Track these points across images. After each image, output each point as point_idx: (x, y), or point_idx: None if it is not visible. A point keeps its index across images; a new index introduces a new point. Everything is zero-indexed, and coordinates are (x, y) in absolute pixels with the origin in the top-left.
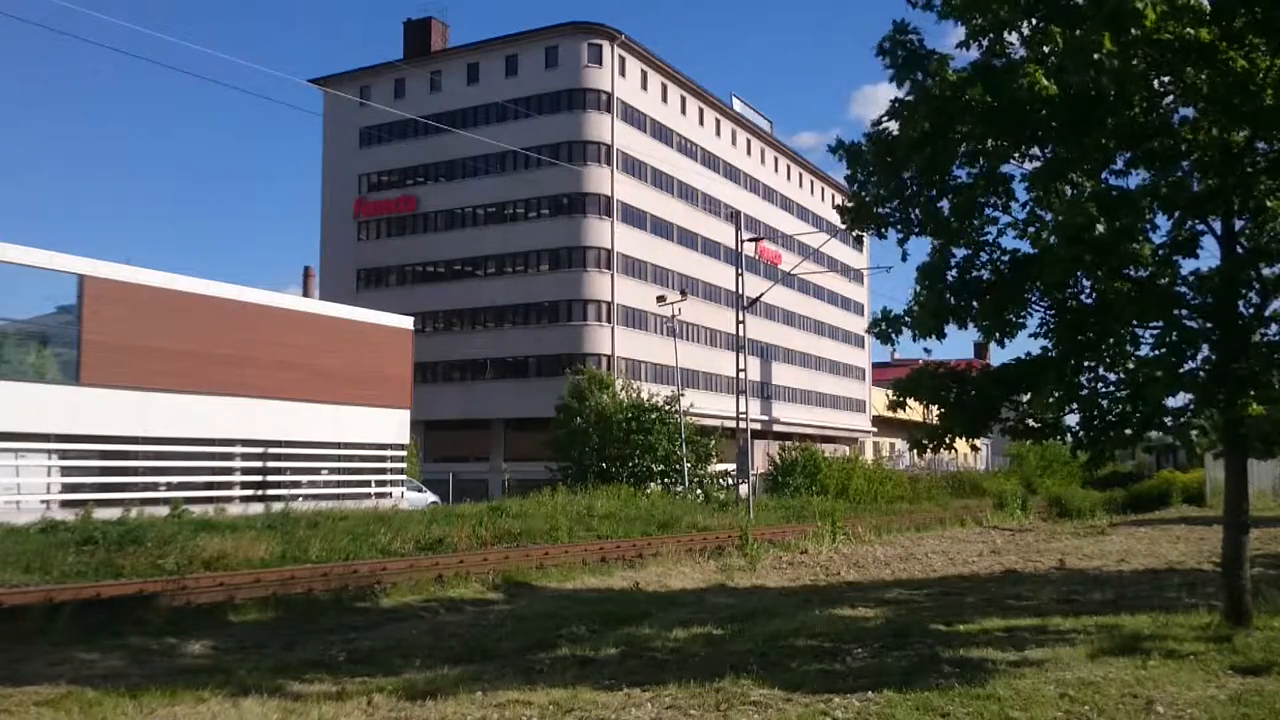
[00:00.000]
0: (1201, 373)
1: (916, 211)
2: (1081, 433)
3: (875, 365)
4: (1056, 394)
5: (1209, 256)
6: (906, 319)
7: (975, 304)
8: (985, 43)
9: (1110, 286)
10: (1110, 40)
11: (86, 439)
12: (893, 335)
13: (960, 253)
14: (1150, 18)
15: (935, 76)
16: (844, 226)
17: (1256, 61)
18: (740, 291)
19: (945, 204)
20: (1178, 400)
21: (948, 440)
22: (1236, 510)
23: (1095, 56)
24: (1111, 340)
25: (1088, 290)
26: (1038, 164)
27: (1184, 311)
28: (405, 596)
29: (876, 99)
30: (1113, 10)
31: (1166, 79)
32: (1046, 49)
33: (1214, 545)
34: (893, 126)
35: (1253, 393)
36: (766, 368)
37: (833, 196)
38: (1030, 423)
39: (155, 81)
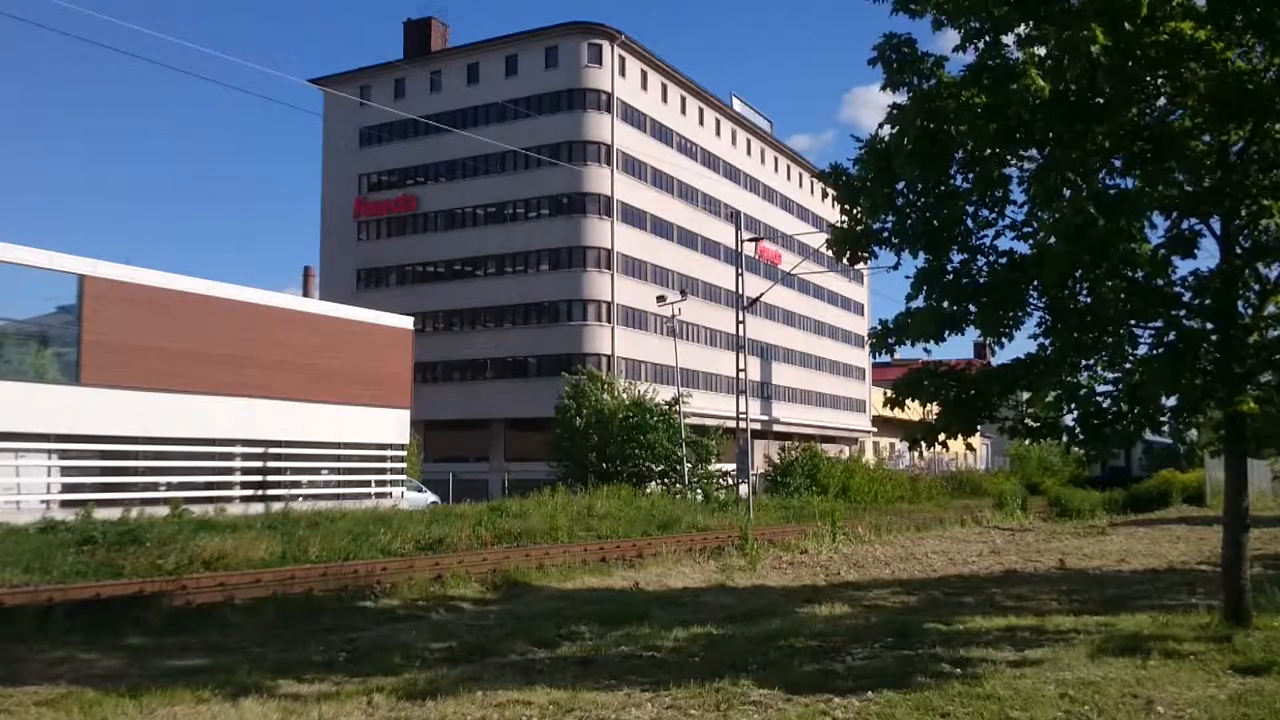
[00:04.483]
0: (1201, 374)
1: (911, 222)
2: (1079, 432)
3: (875, 365)
4: (1054, 393)
5: (1209, 257)
6: (897, 330)
7: (972, 308)
8: (981, 45)
9: (1108, 286)
10: (1103, 34)
11: (86, 439)
12: (891, 345)
13: (957, 258)
14: (1143, 11)
15: (931, 79)
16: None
17: (1251, 60)
18: (740, 291)
19: (941, 211)
20: (1175, 400)
21: (942, 438)
22: (1236, 510)
23: (1091, 51)
24: (1109, 340)
25: (1085, 290)
26: (1035, 165)
27: (1182, 312)
28: (405, 596)
29: (869, 101)
30: (1105, 4)
31: (1162, 79)
32: (1042, 50)
33: (1214, 545)
34: (886, 133)
35: (1250, 391)
36: (766, 368)
37: (833, 198)
38: (1029, 422)
39: (155, 81)
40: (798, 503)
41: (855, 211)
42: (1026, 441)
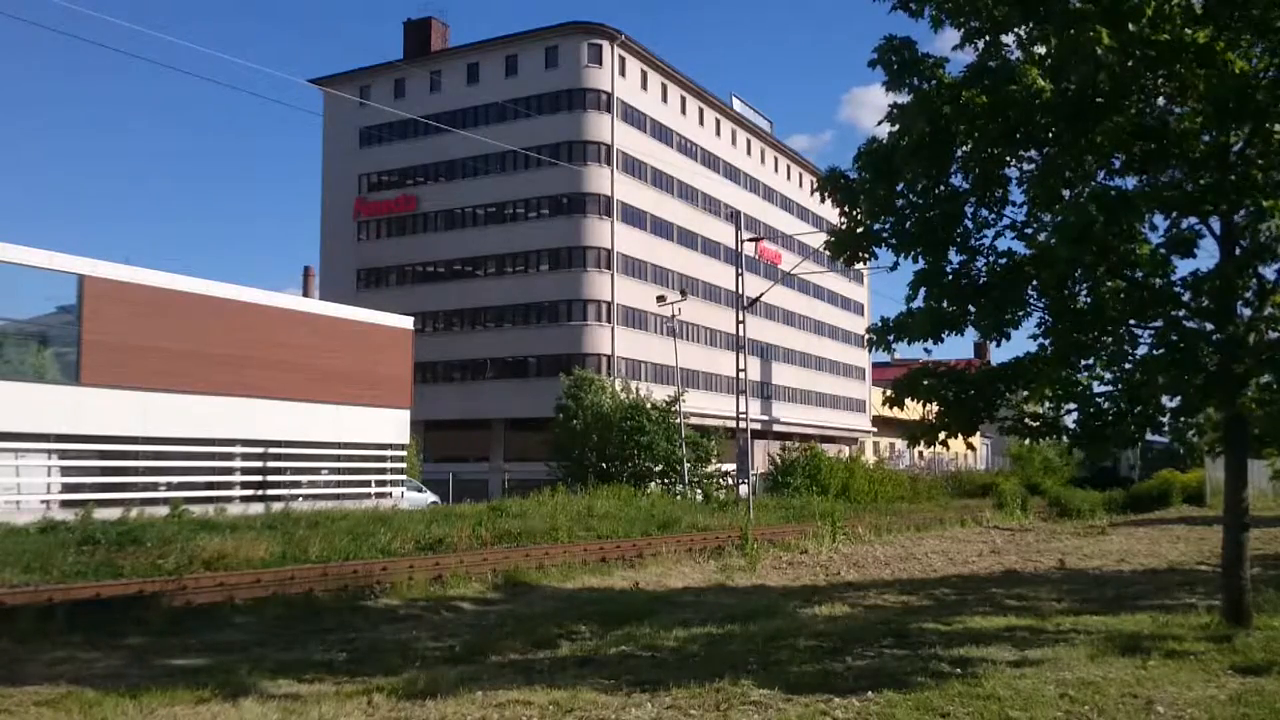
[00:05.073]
0: (1201, 373)
1: (910, 224)
2: (1079, 432)
3: (875, 365)
4: (1053, 392)
5: (1209, 257)
6: (896, 329)
7: (972, 308)
8: (981, 45)
9: (1109, 287)
10: (1108, 36)
11: (86, 439)
12: (890, 342)
13: (957, 259)
14: (1147, 12)
15: (931, 80)
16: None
17: (1250, 58)
18: (740, 291)
19: (941, 212)
20: (1175, 400)
21: (942, 437)
22: (1236, 510)
23: (1096, 52)
24: (1110, 340)
25: (1085, 291)
26: (1034, 166)
27: (1182, 312)
28: (405, 596)
29: (867, 101)
30: (1110, 5)
31: (1162, 79)
32: (1043, 50)
33: (1214, 545)
34: (886, 133)
35: (1250, 391)
36: (766, 368)
37: (832, 199)
38: (1029, 422)
39: (155, 81)
40: (798, 503)
41: (855, 213)
42: (1026, 441)
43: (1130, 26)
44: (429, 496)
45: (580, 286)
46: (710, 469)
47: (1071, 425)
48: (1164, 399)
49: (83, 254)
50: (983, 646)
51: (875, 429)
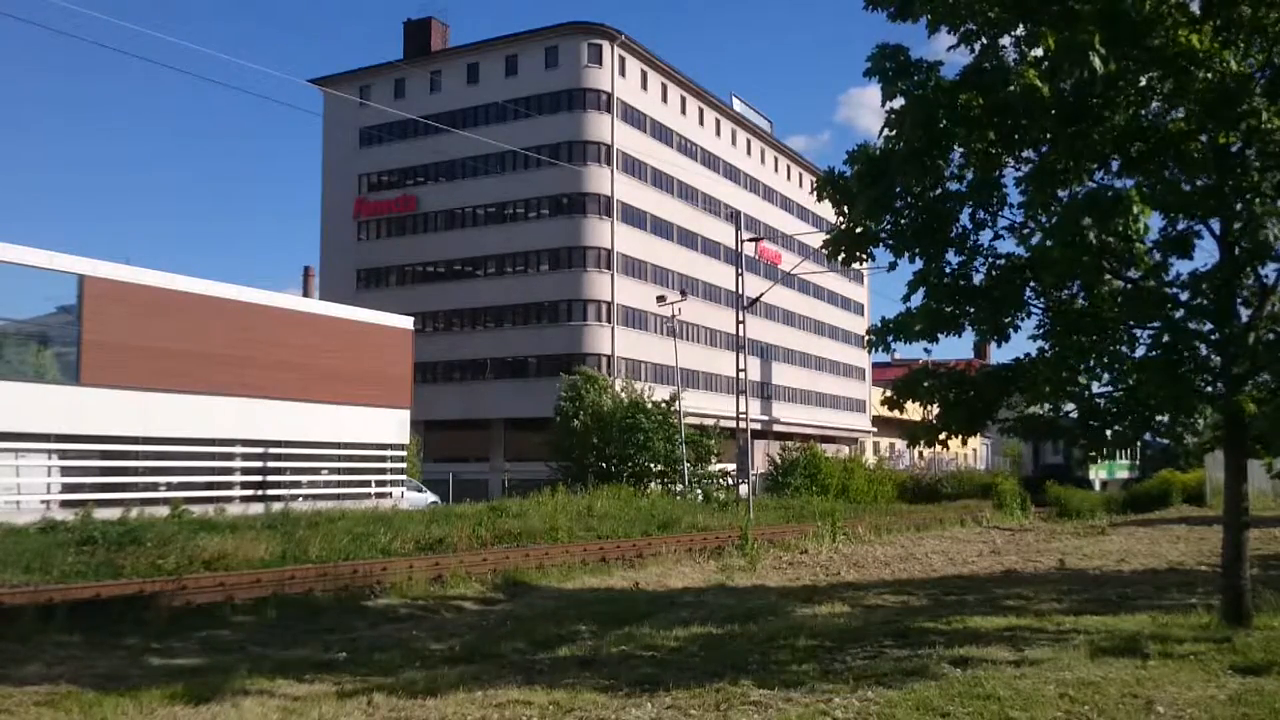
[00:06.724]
0: (1200, 373)
1: (906, 224)
2: (1078, 431)
3: (875, 365)
4: (1052, 393)
5: (1208, 256)
6: (896, 329)
7: (970, 309)
8: (977, 47)
9: (1107, 290)
10: (1100, 40)
11: (86, 439)
12: (889, 343)
13: (955, 260)
14: (1144, 11)
15: (927, 84)
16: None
17: (1244, 58)
18: (740, 291)
19: (938, 214)
20: (1174, 401)
21: (943, 437)
22: (1236, 510)
23: (1090, 55)
24: (1109, 341)
25: (1084, 293)
26: (1031, 167)
27: (1181, 312)
28: (405, 596)
29: (864, 102)
30: (1105, 7)
31: (1157, 80)
32: (1039, 52)
33: (1214, 545)
34: (883, 138)
35: (1249, 391)
36: (766, 368)
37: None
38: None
39: (155, 81)
40: (798, 503)
41: (854, 215)
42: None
43: (1125, 25)
44: (429, 496)
45: (580, 286)
46: (710, 469)
47: (1071, 425)
48: (1163, 400)
49: (83, 254)
50: (983, 646)
51: (875, 429)
